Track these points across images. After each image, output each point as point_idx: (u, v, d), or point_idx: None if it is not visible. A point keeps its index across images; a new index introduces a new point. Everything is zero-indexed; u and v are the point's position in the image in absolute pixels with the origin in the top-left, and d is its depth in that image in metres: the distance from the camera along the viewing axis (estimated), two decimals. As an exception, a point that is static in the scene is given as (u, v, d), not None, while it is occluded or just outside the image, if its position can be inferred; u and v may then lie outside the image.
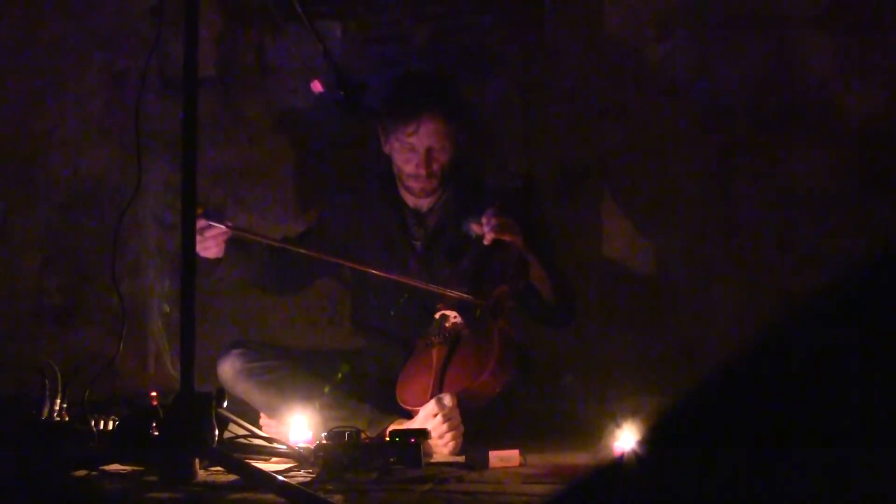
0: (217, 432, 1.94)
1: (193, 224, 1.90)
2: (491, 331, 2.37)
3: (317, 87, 2.34)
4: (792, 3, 2.99)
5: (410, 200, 2.67)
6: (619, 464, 1.41)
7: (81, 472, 1.95)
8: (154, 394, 2.13)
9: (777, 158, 2.99)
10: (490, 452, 2.08)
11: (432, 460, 2.17)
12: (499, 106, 3.12)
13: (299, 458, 2.12)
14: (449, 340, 2.39)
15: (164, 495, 1.80)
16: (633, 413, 2.12)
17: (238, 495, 1.79)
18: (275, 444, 2.22)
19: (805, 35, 2.97)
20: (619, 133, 3.07)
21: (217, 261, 2.51)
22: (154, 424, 1.96)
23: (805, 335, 1.20)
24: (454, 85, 2.72)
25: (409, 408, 2.34)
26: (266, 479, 1.82)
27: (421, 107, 2.53)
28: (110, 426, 2.17)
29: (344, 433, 2.07)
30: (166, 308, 3.09)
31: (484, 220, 2.44)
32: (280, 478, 1.82)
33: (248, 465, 1.90)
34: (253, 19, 3.16)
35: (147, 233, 3.11)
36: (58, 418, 2.20)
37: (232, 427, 2.22)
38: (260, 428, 2.36)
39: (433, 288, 2.47)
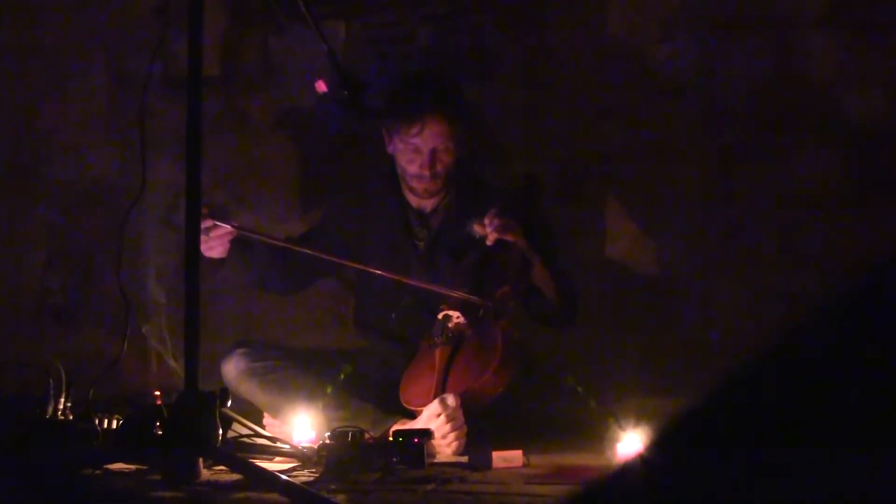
0: (221, 432, 1.94)
1: (198, 224, 1.90)
2: (494, 331, 2.38)
3: (321, 86, 2.34)
4: (795, 5, 2.99)
5: (414, 201, 2.68)
6: (627, 468, 1.41)
7: (85, 471, 1.95)
8: (157, 393, 2.14)
9: (780, 159, 2.99)
10: (493, 453, 2.08)
11: (435, 460, 2.17)
12: (501, 106, 3.12)
13: (302, 458, 2.13)
14: (452, 341, 2.39)
15: (168, 494, 1.80)
16: (636, 414, 2.13)
17: (241, 494, 1.80)
18: (278, 444, 2.22)
19: (808, 36, 2.98)
20: (621, 134, 3.07)
21: (221, 261, 2.51)
22: (158, 424, 1.96)
23: (808, 336, 1.21)
24: (458, 86, 2.73)
25: (412, 408, 2.34)
26: (269, 478, 1.82)
27: (425, 108, 2.53)
28: (114, 425, 2.17)
29: (347, 433, 2.07)
30: (162, 299, 3.09)
31: (487, 221, 2.45)
32: (283, 477, 1.82)
33: (252, 464, 1.91)
34: (257, 19, 3.17)
35: (151, 233, 3.11)
36: (62, 417, 2.20)
37: (235, 426, 2.23)
38: (263, 427, 2.37)
39: (436, 288, 2.47)
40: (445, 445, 2.22)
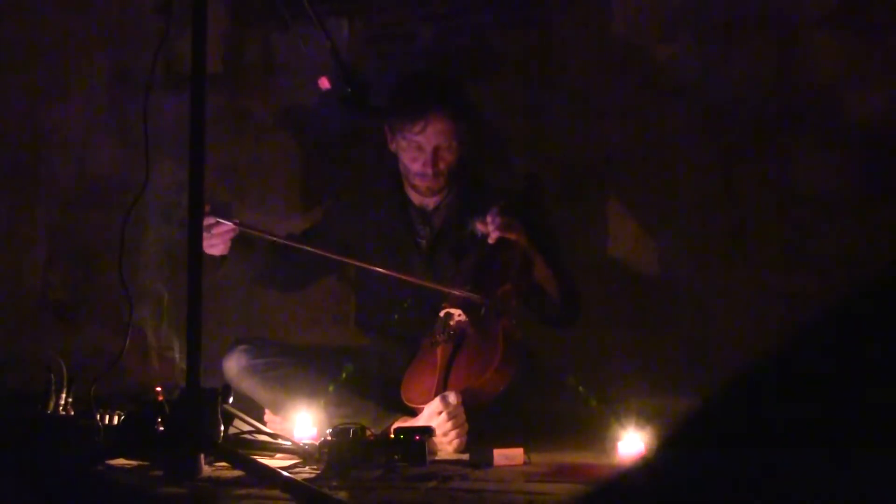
0: (222, 428, 1.94)
1: (201, 221, 1.90)
2: (495, 329, 2.38)
3: (324, 84, 2.34)
4: (797, 5, 2.99)
5: (416, 199, 2.68)
6: (630, 469, 1.41)
7: (87, 468, 1.95)
8: (158, 389, 2.14)
9: (782, 160, 2.99)
10: (494, 450, 2.08)
11: (437, 458, 2.17)
12: (503, 106, 3.12)
13: (304, 455, 2.13)
14: (453, 339, 2.40)
15: (170, 490, 1.80)
16: (637, 412, 2.13)
17: (243, 491, 1.79)
18: (279, 441, 2.23)
19: (810, 37, 2.97)
20: (623, 133, 3.07)
21: (222, 258, 2.51)
22: (159, 420, 1.96)
23: (809, 336, 1.20)
24: (461, 84, 2.73)
25: (413, 405, 2.34)
26: (271, 474, 1.82)
27: (428, 106, 2.53)
28: (116, 421, 2.17)
29: (349, 430, 2.07)
30: (165, 295, 3.09)
31: (488, 219, 2.45)
32: (285, 474, 1.82)
33: (253, 461, 1.90)
34: (259, 16, 3.17)
35: (153, 229, 3.11)
36: (63, 413, 2.20)
37: (237, 423, 2.23)
38: (264, 424, 2.37)
39: (438, 286, 2.48)
40: (447, 443, 2.22)
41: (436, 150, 2.56)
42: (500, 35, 3.12)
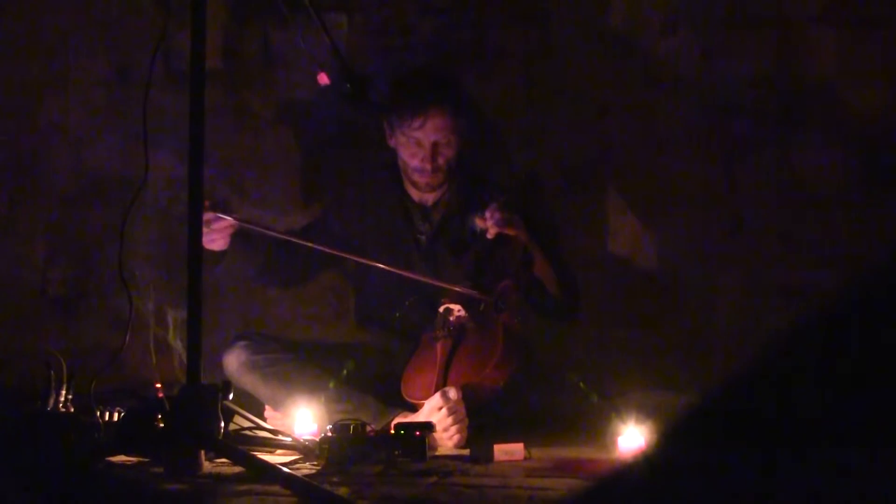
0: (222, 424, 1.94)
1: (200, 216, 1.91)
2: (495, 325, 2.38)
3: (323, 79, 2.34)
4: (796, 0, 2.99)
5: (415, 194, 2.68)
6: (630, 465, 1.41)
7: (87, 464, 1.95)
8: (159, 385, 2.14)
9: (781, 155, 2.99)
10: (494, 446, 2.08)
11: (437, 453, 2.17)
12: (503, 101, 3.12)
13: (304, 451, 2.13)
14: (453, 334, 2.40)
15: (170, 487, 1.80)
16: (637, 407, 2.13)
17: (243, 487, 1.80)
18: (280, 437, 2.23)
19: (809, 31, 2.97)
20: (623, 129, 3.06)
21: (221, 254, 2.51)
22: (160, 416, 1.96)
23: (810, 331, 1.20)
24: (460, 80, 2.72)
25: (413, 401, 2.35)
26: (271, 470, 1.82)
27: (428, 101, 2.53)
28: (116, 418, 2.17)
29: (349, 426, 2.07)
30: (165, 291, 3.09)
31: (488, 215, 2.45)
32: (285, 470, 1.83)
33: (254, 457, 1.90)
34: (258, 11, 3.16)
35: (153, 225, 3.10)
36: (63, 410, 2.20)
37: (237, 419, 2.23)
38: (265, 420, 2.37)
39: (437, 282, 2.48)
40: (447, 438, 2.22)
41: (435, 146, 2.56)
42: (499, 30, 3.12)
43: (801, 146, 2.97)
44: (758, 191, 2.99)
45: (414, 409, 2.34)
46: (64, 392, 2.20)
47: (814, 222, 2.95)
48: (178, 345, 3.05)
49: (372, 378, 2.50)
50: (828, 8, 2.96)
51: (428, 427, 2.13)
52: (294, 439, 2.20)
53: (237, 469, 1.90)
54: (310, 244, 2.53)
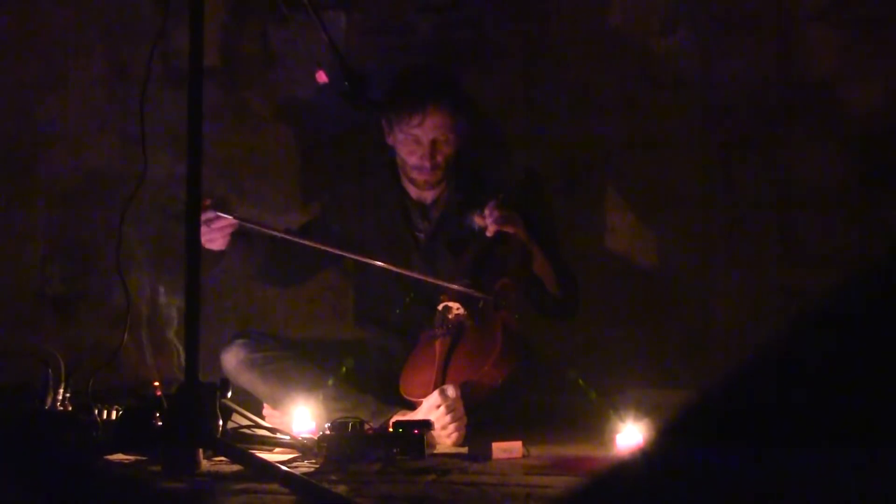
0: (221, 422, 1.94)
1: (198, 215, 1.90)
2: (494, 322, 2.38)
3: (321, 77, 2.34)
4: (796, 0, 2.99)
5: (414, 192, 2.68)
6: (628, 462, 1.41)
7: (85, 462, 1.95)
8: (156, 384, 2.14)
9: (780, 153, 2.99)
10: (493, 444, 2.08)
11: (435, 451, 2.17)
12: (502, 98, 3.12)
13: (303, 449, 2.13)
14: (452, 332, 2.40)
15: (168, 485, 1.80)
16: (636, 405, 2.13)
17: (242, 485, 1.79)
18: (278, 435, 2.22)
19: (808, 30, 2.97)
20: (622, 127, 3.06)
21: (220, 253, 2.51)
22: (158, 414, 1.96)
23: (807, 330, 1.20)
24: (459, 78, 2.72)
25: (412, 399, 2.35)
26: (270, 469, 1.82)
27: (427, 99, 2.53)
28: (114, 416, 2.17)
29: (347, 424, 2.07)
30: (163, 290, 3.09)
31: (486, 213, 2.45)
32: (283, 468, 1.82)
33: (252, 455, 1.90)
34: (257, 9, 3.16)
35: (151, 224, 3.10)
36: (61, 408, 2.20)
37: (235, 417, 2.23)
38: (263, 418, 2.37)
39: (436, 280, 2.47)
40: (445, 436, 2.22)
41: (433, 144, 2.56)
42: (498, 28, 3.12)
43: (800, 146, 2.97)
44: (756, 189, 2.99)
45: (412, 407, 2.33)
46: (62, 390, 2.20)
47: (813, 222, 2.95)
48: (176, 341, 3.05)
49: (370, 376, 2.50)
50: (827, 8, 2.96)
51: (426, 425, 2.14)
52: (292, 437, 2.20)
53: (236, 467, 1.89)
54: (309, 243, 2.53)
